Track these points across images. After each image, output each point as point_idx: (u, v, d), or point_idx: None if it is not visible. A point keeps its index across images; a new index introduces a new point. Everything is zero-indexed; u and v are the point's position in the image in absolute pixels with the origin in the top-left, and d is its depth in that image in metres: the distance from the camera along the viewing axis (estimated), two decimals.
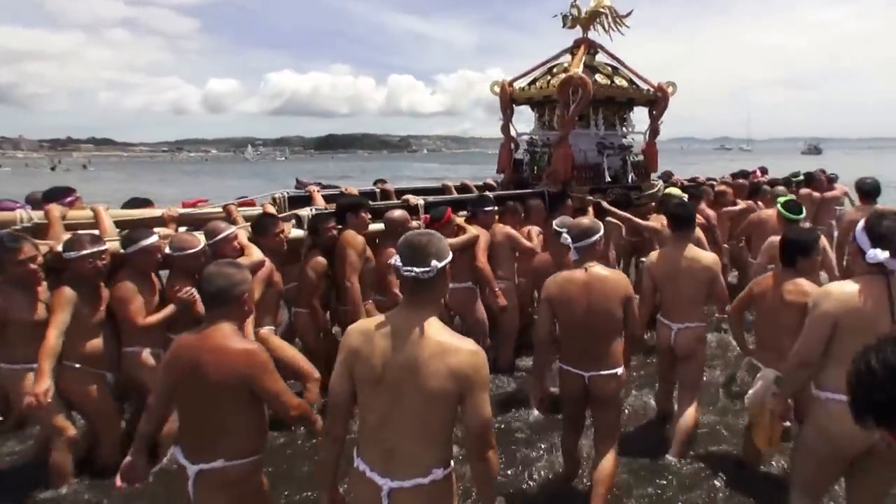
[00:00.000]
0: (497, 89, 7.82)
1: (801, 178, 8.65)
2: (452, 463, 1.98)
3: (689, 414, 3.86)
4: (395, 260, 1.92)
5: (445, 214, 5.30)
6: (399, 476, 1.89)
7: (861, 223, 2.45)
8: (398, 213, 5.01)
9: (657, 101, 7.62)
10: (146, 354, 3.68)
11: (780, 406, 2.88)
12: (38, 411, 3.16)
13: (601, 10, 7.54)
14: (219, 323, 2.20)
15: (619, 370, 3.15)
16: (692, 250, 3.88)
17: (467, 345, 1.89)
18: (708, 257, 3.91)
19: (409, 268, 1.87)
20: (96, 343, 3.51)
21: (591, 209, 6.15)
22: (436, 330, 1.89)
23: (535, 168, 7.55)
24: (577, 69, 6.80)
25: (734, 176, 8.76)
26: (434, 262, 1.87)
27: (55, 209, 3.81)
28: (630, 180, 7.44)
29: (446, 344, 1.86)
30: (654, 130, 7.80)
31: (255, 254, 3.97)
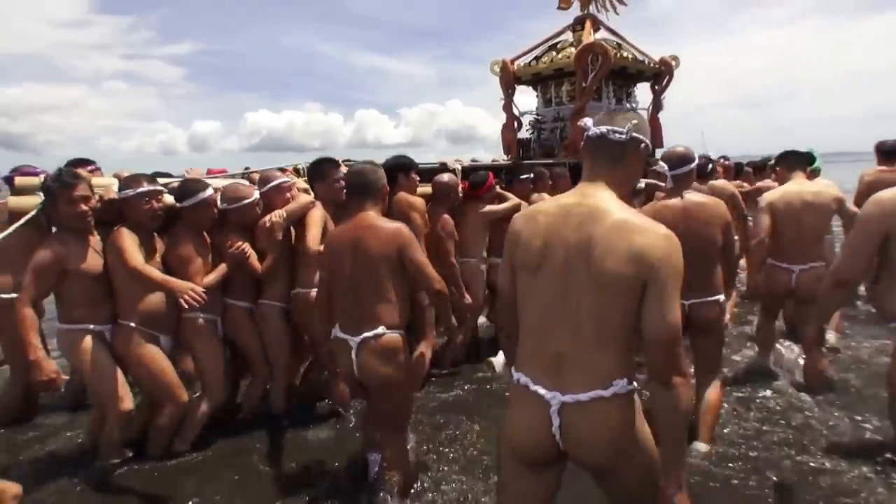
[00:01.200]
0: (497, 69, 7.59)
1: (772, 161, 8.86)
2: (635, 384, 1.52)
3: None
4: (587, 121, 1.61)
5: (488, 180, 4.92)
6: (572, 388, 1.47)
7: None
8: (448, 177, 4.58)
9: (661, 75, 7.61)
10: (202, 321, 3.20)
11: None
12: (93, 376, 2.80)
13: None
14: (367, 210, 2.46)
15: (721, 297, 2.99)
16: (815, 184, 3.76)
17: (658, 227, 1.45)
18: (831, 190, 3.75)
19: (599, 128, 1.55)
20: (154, 300, 2.98)
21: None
22: (617, 206, 1.49)
23: (543, 145, 7.33)
24: (592, 39, 6.65)
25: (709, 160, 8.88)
26: (630, 129, 1.53)
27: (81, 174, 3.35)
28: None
29: (630, 222, 1.44)
30: (657, 105, 7.77)
31: (304, 198, 3.53)
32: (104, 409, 2.98)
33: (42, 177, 3.24)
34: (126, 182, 2.98)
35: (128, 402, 2.90)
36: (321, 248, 2.99)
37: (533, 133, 7.64)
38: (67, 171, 2.82)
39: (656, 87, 7.75)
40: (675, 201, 2.96)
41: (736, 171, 7.79)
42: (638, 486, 1.53)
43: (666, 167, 3.06)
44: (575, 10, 7.69)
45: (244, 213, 3.33)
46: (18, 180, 3.24)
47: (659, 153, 7.87)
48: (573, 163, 6.41)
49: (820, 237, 3.72)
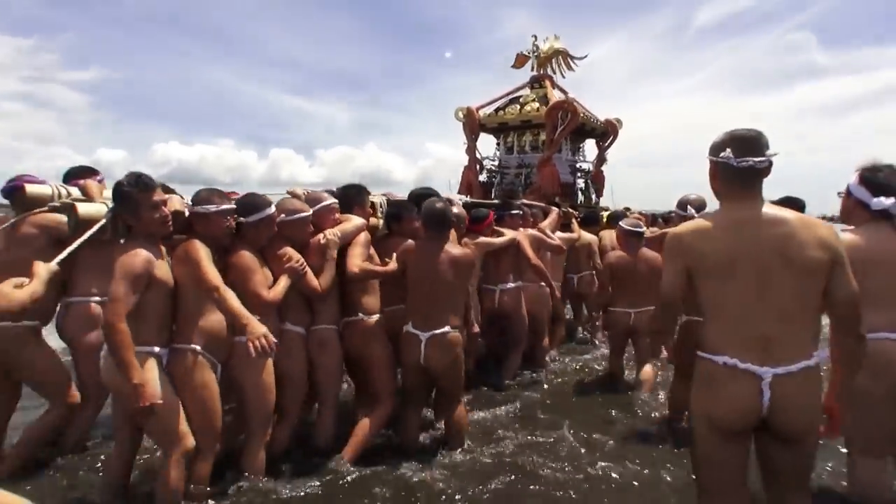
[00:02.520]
0: (462, 115, 8.12)
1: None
2: None
3: None
4: (727, 153, 1.89)
5: (488, 217, 5.31)
6: (782, 362, 1.78)
7: (854, 179, 2.54)
8: (457, 209, 4.81)
9: (606, 134, 8.52)
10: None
11: None
12: (151, 411, 2.35)
13: (558, 50, 8.36)
14: (446, 237, 3.26)
15: None
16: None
17: (823, 222, 1.87)
18: None
19: (744, 158, 1.85)
20: (218, 323, 2.71)
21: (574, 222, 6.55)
22: (785, 211, 1.86)
23: (505, 188, 7.86)
24: (562, 97, 7.40)
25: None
26: (769, 153, 1.87)
27: (94, 185, 3.19)
28: (592, 200, 8.13)
29: (807, 219, 1.84)
30: (602, 159, 8.66)
31: (355, 219, 3.58)
32: (165, 447, 2.57)
33: (53, 187, 3.14)
34: (199, 199, 2.81)
35: (192, 438, 2.57)
36: (363, 267, 3.23)
37: (496, 177, 8.18)
38: (144, 175, 2.60)
39: (601, 144, 8.66)
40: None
41: (652, 221, 8.83)
42: (812, 454, 1.92)
43: (693, 210, 3.70)
44: (525, 71, 8.51)
45: (298, 227, 3.20)
46: (30, 188, 3.05)
47: (603, 202, 8.76)
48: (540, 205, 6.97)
49: None
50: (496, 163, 8.41)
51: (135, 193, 2.52)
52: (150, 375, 2.43)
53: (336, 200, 3.56)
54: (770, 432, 1.87)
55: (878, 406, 2.33)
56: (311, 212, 3.30)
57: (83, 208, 2.84)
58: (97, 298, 3.23)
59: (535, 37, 8.42)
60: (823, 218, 6.22)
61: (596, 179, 8.61)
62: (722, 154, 1.89)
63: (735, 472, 1.92)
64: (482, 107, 8.29)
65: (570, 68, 8.59)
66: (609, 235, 6.11)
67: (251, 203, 3.01)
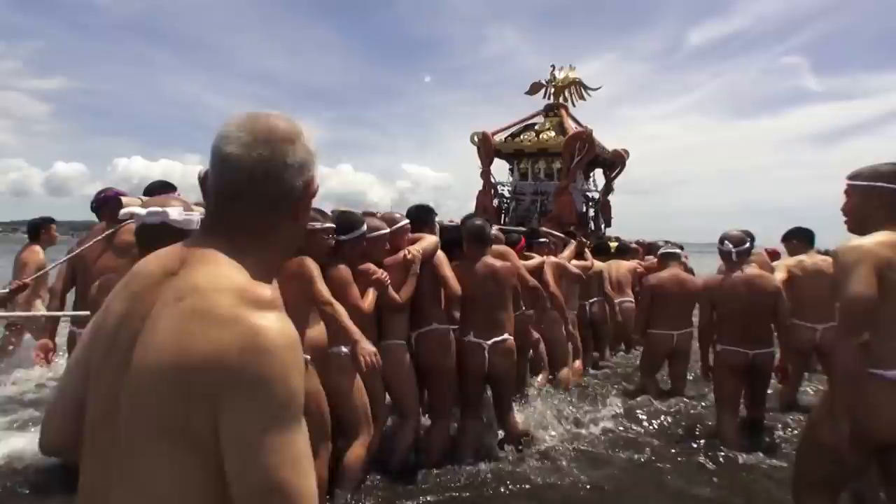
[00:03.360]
0: (477, 139, 8.25)
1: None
2: None
3: None
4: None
5: (521, 241, 5.45)
6: None
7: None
8: (496, 230, 4.91)
9: (614, 164, 8.77)
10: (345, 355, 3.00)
11: None
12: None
13: (575, 80, 8.59)
14: (487, 252, 3.48)
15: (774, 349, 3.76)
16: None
17: None
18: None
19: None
20: (320, 331, 2.87)
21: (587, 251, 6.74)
22: None
23: (519, 214, 8.02)
24: (581, 127, 7.60)
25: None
26: None
27: (175, 200, 3.28)
28: (602, 229, 8.34)
29: None
30: (609, 189, 8.91)
31: (430, 238, 3.75)
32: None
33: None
34: (311, 216, 2.91)
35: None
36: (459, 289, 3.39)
37: (510, 202, 8.32)
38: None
39: (609, 174, 8.90)
40: (738, 273, 3.71)
41: (646, 251, 9.09)
42: None
43: (731, 245, 3.78)
44: (538, 98, 8.72)
45: (378, 244, 3.33)
46: (125, 201, 3.14)
47: (613, 233, 8.99)
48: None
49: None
50: (510, 188, 8.55)
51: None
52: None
53: (408, 221, 3.74)
54: None
55: None
56: (389, 230, 3.44)
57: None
58: None
59: (553, 66, 8.63)
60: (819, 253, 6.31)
61: (604, 209, 8.84)
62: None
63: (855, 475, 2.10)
64: (497, 132, 8.44)
65: (581, 98, 8.83)
66: (616, 266, 6.26)
67: (348, 221, 3.17)
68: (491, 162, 8.36)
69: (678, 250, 4.89)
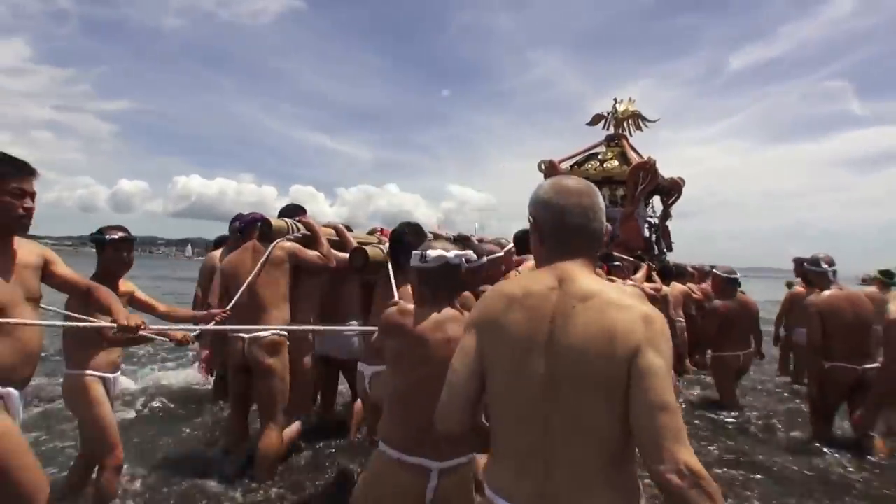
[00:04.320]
0: (544, 167, 8.78)
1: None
2: None
3: None
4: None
5: (603, 266, 5.89)
6: None
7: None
8: None
9: (671, 191, 9.22)
10: None
11: None
12: None
13: (635, 112, 9.13)
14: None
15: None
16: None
17: None
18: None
19: None
20: None
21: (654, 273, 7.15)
22: None
23: None
24: (643, 157, 8.10)
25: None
26: None
27: (315, 224, 3.83)
28: (664, 252, 8.77)
29: None
30: (667, 214, 9.35)
31: (532, 261, 4.19)
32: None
33: (289, 223, 3.77)
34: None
35: None
36: None
37: None
38: (417, 225, 3.28)
39: (666, 200, 9.35)
40: (840, 292, 4.15)
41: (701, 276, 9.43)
42: None
43: (827, 266, 4.28)
44: (597, 129, 9.26)
45: (495, 267, 3.57)
46: (275, 222, 3.69)
47: (669, 256, 9.39)
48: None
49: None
50: None
51: (415, 242, 3.01)
52: None
53: (512, 245, 4.21)
54: None
55: None
56: (503, 253, 3.92)
57: (372, 252, 3.49)
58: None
59: (616, 99, 9.18)
60: (864, 281, 6.66)
61: (664, 234, 9.28)
62: None
63: None
64: (563, 161, 8.97)
65: (639, 128, 9.34)
66: (671, 288, 6.52)
67: (476, 251, 3.62)
68: None
69: (737, 275, 5.21)
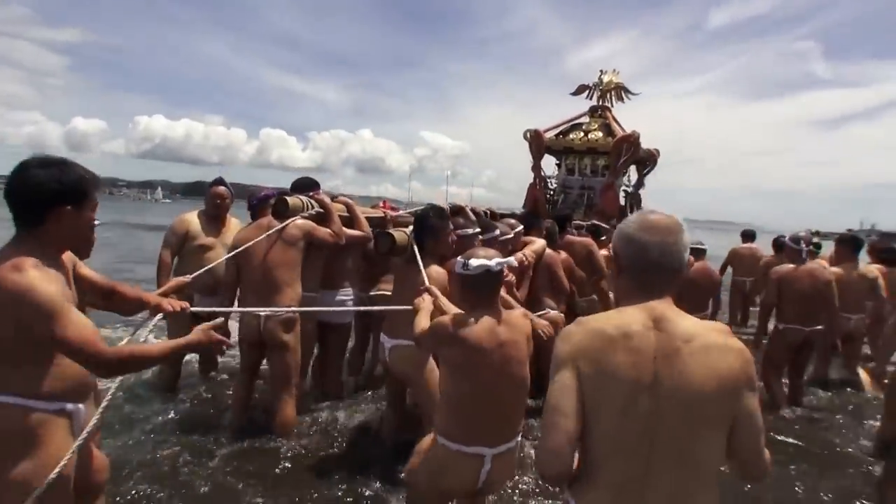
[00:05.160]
0: (529, 136, 9.24)
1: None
2: None
3: None
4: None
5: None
6: None
7: None
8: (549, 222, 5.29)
9: (647, 162, 9.82)
10: None
11: None
12: None
13: (619, 84, 9.62)
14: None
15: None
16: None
17: None
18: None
19: None
20: None
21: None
22: None
23: (569, 206, 9.06)
24: (625, 130, 8.64)
25: None
26: None
27: (329, 201, 3.96)
28: None
29: None
30: (641, 184, 9.97)
31: (539, 241, 4.48)
32: None
33: (305, 200, 3.85)
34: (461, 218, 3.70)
35: None
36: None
37: (558, 195, 9.36)
38: (443, 210, 3.42)
39: (641, 170, 9.95)
40: (803, 268, 4.68)
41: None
42: None
43: (803, 245, 4.71)
44: (580, 99, 9.77)
45: (503, 246, 3.91)
46: (290, 200, 3.76)
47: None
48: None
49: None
50: (556, 181, 9.59)
51: (438, 225, 3.28)
52: None
53: (522, 226, 4.56)
54: None
55: None
56: (514, 233, 4.34)
57: (398, 237, 3.66)
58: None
59: (602, 71, 9.63)
60: (815, 234, 7.71)
61: (637, 202, 9.91)
62: None
63: None
64: (548, 130, 9.43)
65: (621, 100, 9.84)
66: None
67: (486, 226, 3.98)
68: (541, 157, 9.36)
69: (703, 245, 5.40)
